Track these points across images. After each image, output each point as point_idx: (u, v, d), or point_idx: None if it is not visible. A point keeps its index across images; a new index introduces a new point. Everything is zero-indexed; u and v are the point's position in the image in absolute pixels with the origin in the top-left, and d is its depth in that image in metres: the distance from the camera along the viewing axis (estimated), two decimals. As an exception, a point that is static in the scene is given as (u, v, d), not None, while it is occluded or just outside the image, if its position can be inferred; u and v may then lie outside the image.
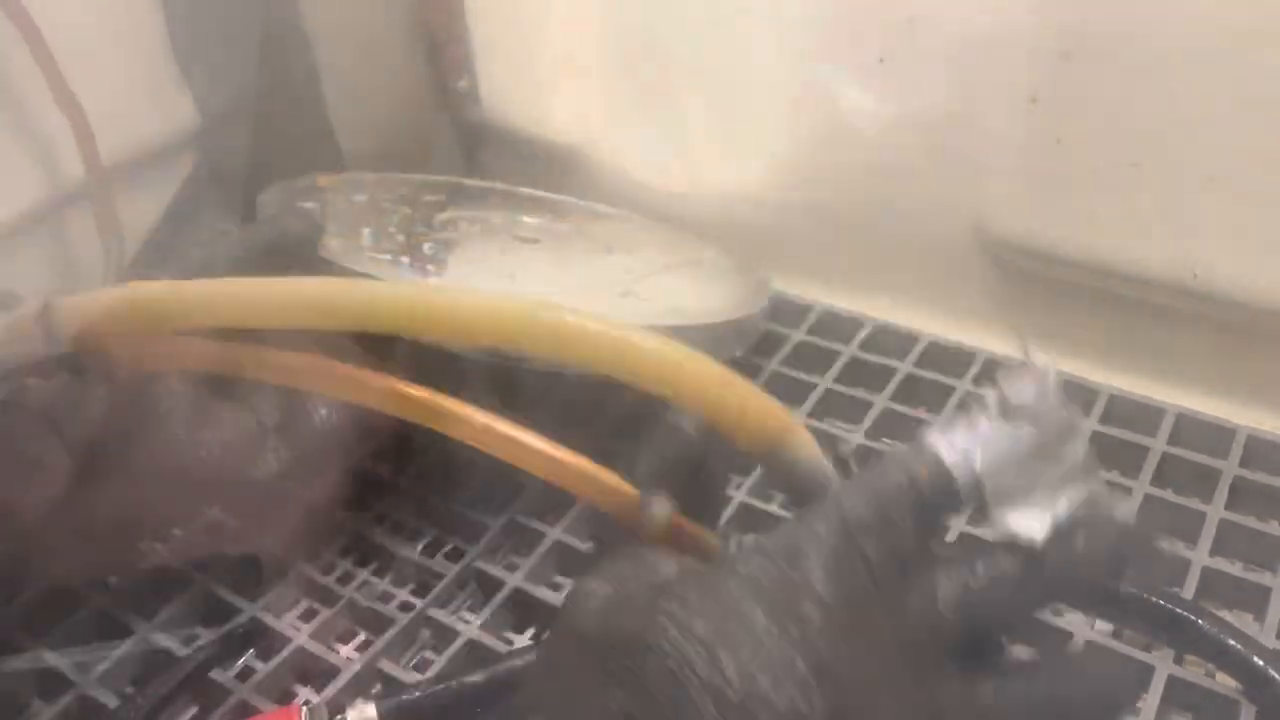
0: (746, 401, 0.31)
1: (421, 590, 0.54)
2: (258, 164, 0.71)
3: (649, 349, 0.30)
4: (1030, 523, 0.29)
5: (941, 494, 0.29)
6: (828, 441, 0.60)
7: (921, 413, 0.61)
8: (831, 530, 0.27)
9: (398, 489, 0.58)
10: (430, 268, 0.59)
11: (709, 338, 0.58)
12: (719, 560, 0.31)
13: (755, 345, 0.65)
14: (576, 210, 0.73)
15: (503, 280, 0.62)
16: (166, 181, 0.75)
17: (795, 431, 0.32)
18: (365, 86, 0.80)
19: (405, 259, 0.57)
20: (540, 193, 0.74)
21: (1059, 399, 0.30)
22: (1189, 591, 0.50)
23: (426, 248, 0.61)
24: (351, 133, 0.78)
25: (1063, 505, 0.30)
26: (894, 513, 0.28)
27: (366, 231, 0.60)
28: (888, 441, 0.61)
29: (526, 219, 0.70)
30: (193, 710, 0.48)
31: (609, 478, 0.33)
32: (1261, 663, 0.44)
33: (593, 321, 0.31)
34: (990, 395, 0.30)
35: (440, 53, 0.79)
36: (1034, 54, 0.57)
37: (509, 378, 0.51)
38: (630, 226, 0.73)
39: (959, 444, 0.30)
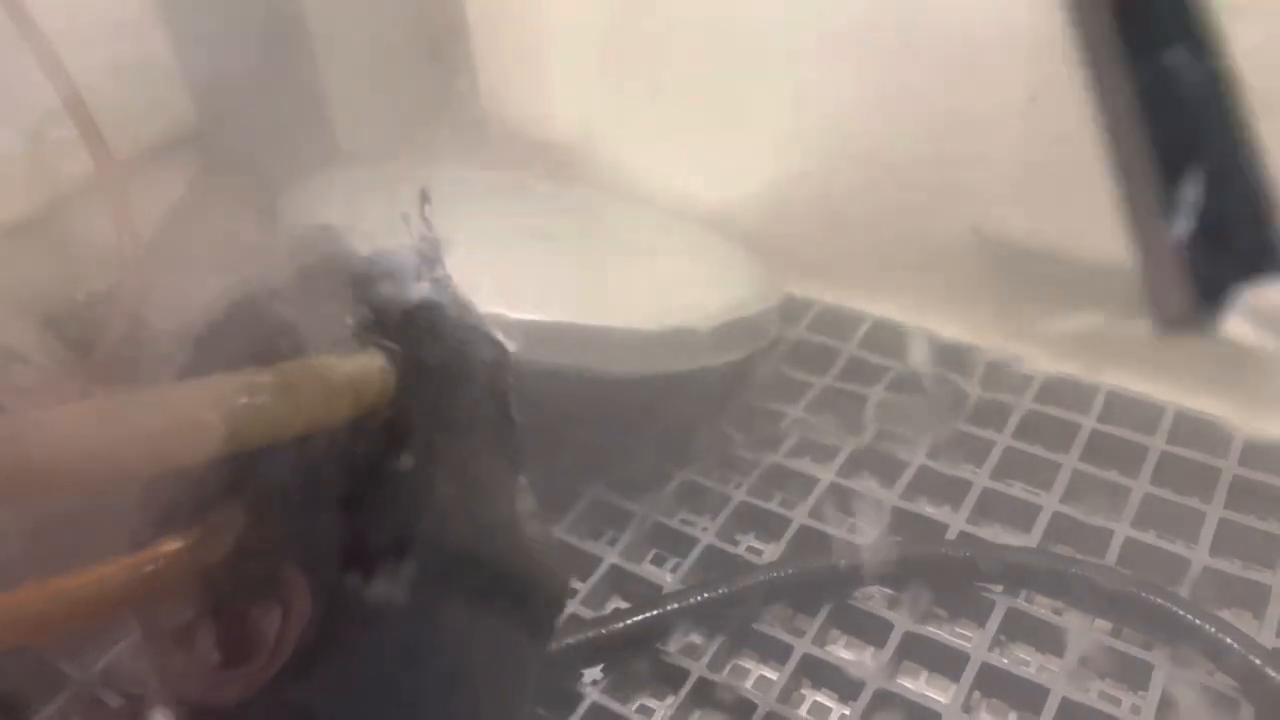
0: (327, 374, 0.30)
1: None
2: (258, 162, 0.71)
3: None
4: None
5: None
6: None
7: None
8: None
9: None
10: (461, 265, 0.58)
11: (751, 330, 0.59)
12: None
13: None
14: (585, 203, 0.73)
15: (542, 277, 0.61)
16: (166, 181, 0.75)
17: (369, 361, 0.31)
18: (366, 84, 0.80)
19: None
20: (549, 185, 0.74)
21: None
22: (1188, 590, 0.50)
23: (450, 244, 0.61)
24: (352, 131, 0.78)
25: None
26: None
27: (386, 226, 0.59)
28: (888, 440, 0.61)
29: (537, 212, 0.70)
30: (193, 709, 0.48)
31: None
32: (1259, 662, 0.45)
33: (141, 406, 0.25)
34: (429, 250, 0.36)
35: (441, 51, 0.79)
36: (1034, 54, 0.57)
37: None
38: (649, 222, 0.72)
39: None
